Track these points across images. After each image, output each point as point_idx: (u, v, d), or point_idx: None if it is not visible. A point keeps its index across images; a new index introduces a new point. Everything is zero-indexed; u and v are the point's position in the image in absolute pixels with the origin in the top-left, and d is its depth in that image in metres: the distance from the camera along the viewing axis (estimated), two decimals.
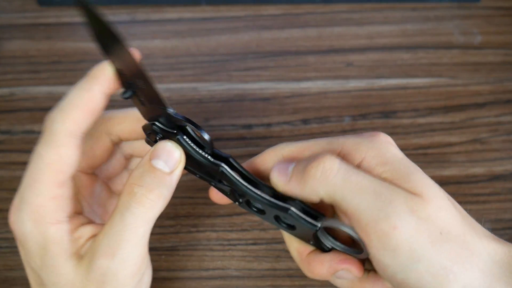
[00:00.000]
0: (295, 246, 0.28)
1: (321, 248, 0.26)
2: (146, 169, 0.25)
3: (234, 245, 0.36)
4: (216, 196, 0.29)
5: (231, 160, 0.26)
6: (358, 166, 0.25)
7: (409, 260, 0.22)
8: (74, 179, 0.26)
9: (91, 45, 0.45)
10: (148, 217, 0.25)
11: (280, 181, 0.25)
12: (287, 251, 0.35)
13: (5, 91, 0.42)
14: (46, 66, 0.44)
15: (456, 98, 0.42)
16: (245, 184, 0.26)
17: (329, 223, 0.25)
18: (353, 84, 0.42)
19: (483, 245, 0.23)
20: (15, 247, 0.35)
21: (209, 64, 0.44)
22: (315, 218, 0.25)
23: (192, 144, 0.25)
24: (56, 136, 0.24)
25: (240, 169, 0.26)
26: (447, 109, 0.41)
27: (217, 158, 0.26)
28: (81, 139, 0.25)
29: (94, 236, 0.25)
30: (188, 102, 0.41)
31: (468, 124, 0.40)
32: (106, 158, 0.30)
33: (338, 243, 0.25)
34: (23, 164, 0.39)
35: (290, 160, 0.26)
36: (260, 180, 0.26)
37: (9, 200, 0.37)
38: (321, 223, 0.25)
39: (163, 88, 0.42)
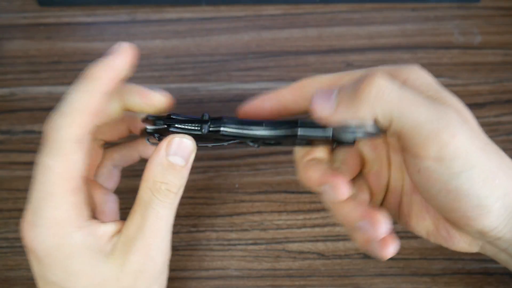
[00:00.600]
0: (300, 153, 0.29)
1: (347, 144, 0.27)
2: (165, 166, 0.25)
3: (234, 245, 0.36)
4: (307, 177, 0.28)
5: (224, 118, 0.26)
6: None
7: (465, 165, 0.23)
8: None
9: (91, 45, 0.45)
10: (174, 210, 0.27)
11: (326, 109, 0.24)
12: (287, 251, 0.35)
13: (5, 91, 0.42)
14: (46, 66, 0.44)
15: None
16: (250, 131, 0.26)
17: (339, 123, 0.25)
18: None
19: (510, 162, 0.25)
20: (15, 247, 0.35)
21: (209, 64, 0.44)
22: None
23: (185, 126, 0.26)
24: (63, 143, 0.24)
25: (235, 121, 0.26)
26: None
27: (212, 123, 0.26)
28: (87, 141, 0.25)
29: (118, 232, 0.26)
30: (188, 102, 0.42)
31: None
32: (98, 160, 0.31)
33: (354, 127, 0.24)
34: (23, 164, 0.39)
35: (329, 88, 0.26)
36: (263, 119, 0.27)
37: (9, 200, 0.37)
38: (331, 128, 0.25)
39: (163, 88, 0.42)
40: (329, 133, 0.26)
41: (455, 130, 0.23)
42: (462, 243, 0.28)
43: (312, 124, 0.26)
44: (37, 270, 0.25)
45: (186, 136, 0.26)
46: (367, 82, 0.23)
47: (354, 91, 0.24)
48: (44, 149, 0.24)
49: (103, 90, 0.25)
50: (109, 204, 0.31)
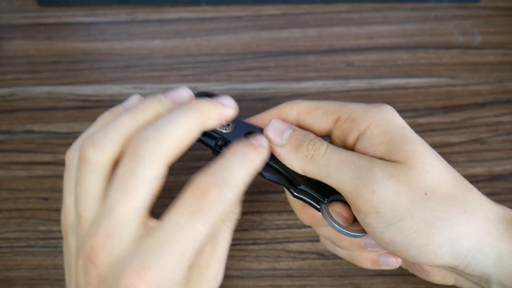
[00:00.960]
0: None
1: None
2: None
3: (234, 245, 0.36)
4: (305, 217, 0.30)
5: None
6: (363, 133, 0.27)
7: (392, 219, 0.24)
8: None
9: (91, 45, 0.45)
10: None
11: (275, 141, 0.27)
12: (287, 251, 0.35)
13: (5, 91, 0.42)
14: (46, 66, 0.44)
15: (456, 98, 0.42)
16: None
17: (328, 207, 0.28)
18: (353, 84, 0.42)
19: (477, 203, 0.25)
20: (15, 247, 0.35)
21: (209, 64, 0.44)
22: (324, 194, 0.28)
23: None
24: (158, 162, 0.23)
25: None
26: (447, 109, 0.41)
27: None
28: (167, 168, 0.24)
29: None
30: None
31: (468, 124, 0.41)
32: None
33: (335, 224, 0.27)
34: (23, 164, 0.39)
35: (292, 122, 0.29)
36: None
37: (9, 200, 0.37)
38: (323, 205, 0.28)
39: (163, 88, 0.42)
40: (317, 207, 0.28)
41: (374, 187, 0.24)
42: (436, 276, 0.30)
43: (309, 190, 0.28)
44: None
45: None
46: (310, 144, 0.27)
47: (298, 143, 0.27)
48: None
49: (203, 128, 0.26)
50: None
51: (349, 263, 0.35)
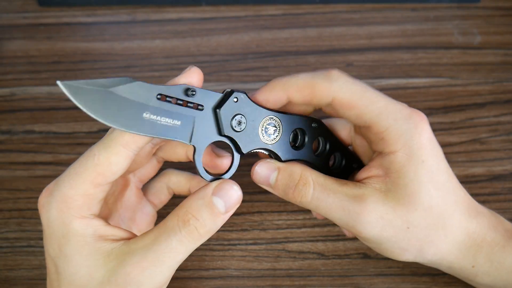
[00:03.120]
0: None
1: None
2: (205, 203, 0.25)
3: (234, 245, 0.36)
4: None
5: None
6: (386, 154, 0.28)
7: (374, 244, 0.29)
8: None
9: (91, 45, 0.45)
10: (192, 248, 0.26)
11: (264, 182, 0.30)
12: (287, 251, 0.35)
13: (5, 91, 0.42)
14: (46, 66, 0.44)
15: (456, 98, 0.42)
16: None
17: None
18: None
19: (452, 228, 0.28)
20: (15, 247, 0.36)
21: (209, 64, 0.44)
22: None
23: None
24: (112, 142, 0.25)
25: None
26: (446, 109, 0.41)
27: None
28: (135, 153, 0.25)
29: (122, 240, 0.26)
30: None
31: (468, 124, 0.41)
32: (146, 163, 0.31)
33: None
34: (23, 164, 0.39)
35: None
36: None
37: (9, 200, 0.37)
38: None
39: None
40: None
41: (363, 231, 0.28)
42: None
43: None
44: (44, 238, 0.26)
45: (238, 187, 0.26)
46: (297, 190, 0.29)
47: (284, 189, 0.29)
48: (101, 139, 0.25)
49: None
50: (142, 215, 0.32)
51: (349, 263, 0.35)
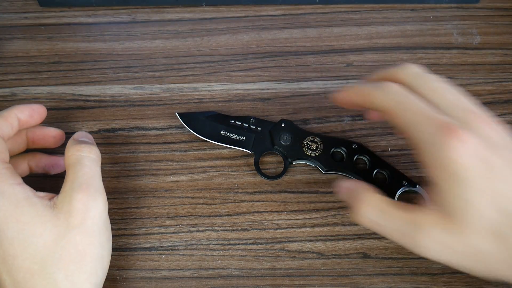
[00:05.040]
0: None
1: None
2: (75, 142, 0.33)
3: (234, 244, 0.36)
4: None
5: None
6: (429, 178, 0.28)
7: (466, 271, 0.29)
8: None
9: (92, 46, 0.45)
10: (98, 164, 0.32)
11: (342, 196, 0.32)
12: (287, 251, 0.36)
13: (6, 91, 0.43)
14: (47, 67, 0.44)
15: None
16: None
17: None
18: (353, 84, 0.43)
19: None
20: None
21: (209, 64, 0.44)
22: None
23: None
24: None
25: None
26: None
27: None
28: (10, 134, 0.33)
29: (52, 197, 0.30)
30: (188, 102, 0.42)
31: None
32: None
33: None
34: None
35: None
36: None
37: None
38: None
39: (163, 88, 0.43)
40: None
41: (419, 251, 0.28)
42: None
43: None
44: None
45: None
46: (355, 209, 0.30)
47: (351, 200, 0.31)
48: None
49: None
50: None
51: (348, 263, 0.35)
